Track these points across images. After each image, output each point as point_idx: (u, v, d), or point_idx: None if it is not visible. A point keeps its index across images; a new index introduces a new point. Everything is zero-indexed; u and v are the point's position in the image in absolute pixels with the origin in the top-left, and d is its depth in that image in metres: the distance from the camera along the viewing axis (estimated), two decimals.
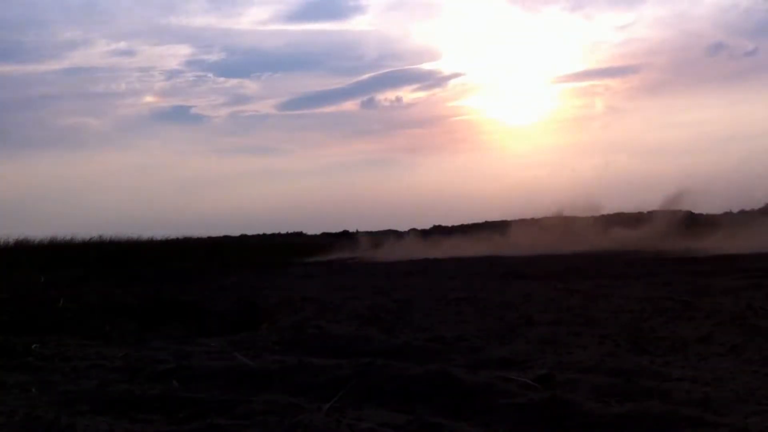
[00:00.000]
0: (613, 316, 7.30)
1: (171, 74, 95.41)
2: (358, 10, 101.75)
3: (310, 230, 63.11)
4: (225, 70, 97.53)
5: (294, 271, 19.42)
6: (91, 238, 22.11)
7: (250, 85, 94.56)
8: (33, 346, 5.40)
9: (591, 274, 13.37)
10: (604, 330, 6.28)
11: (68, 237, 21.33)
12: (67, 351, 5.44)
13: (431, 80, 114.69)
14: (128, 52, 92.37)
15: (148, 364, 4.82)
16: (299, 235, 59.02)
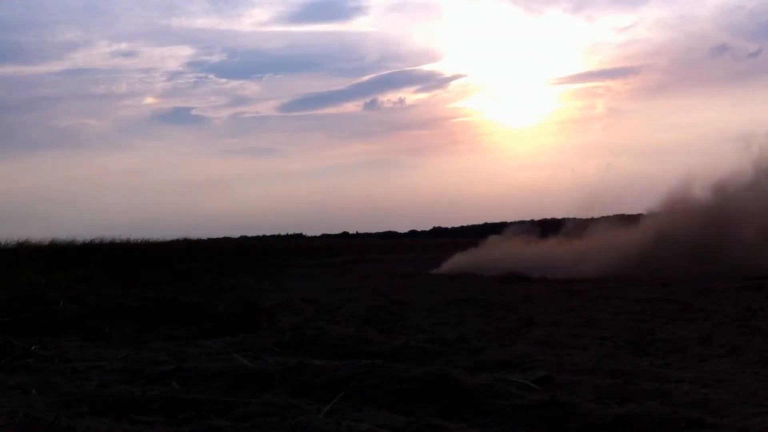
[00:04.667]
0: (612, 317, 7.31)
1: (172, 75, 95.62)
2: (359, 11, 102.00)
3: (310, 232, 63.22)
4: (226, 71, 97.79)
5: (294, 272, 19.42)
6: (91, 240, 22.09)
7: (251, 87, 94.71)
8: (33, 348, 5.40)
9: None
10: (604, 331, 6.29)
11: (69, 238, 21.30)
12: (67, 352, 5.44)
13: (432, 81, 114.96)
14: (129, 53, 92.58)
15: (148, 365, 4.82)
16: (299, 236, 59.05)
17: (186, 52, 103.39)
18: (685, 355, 5.15)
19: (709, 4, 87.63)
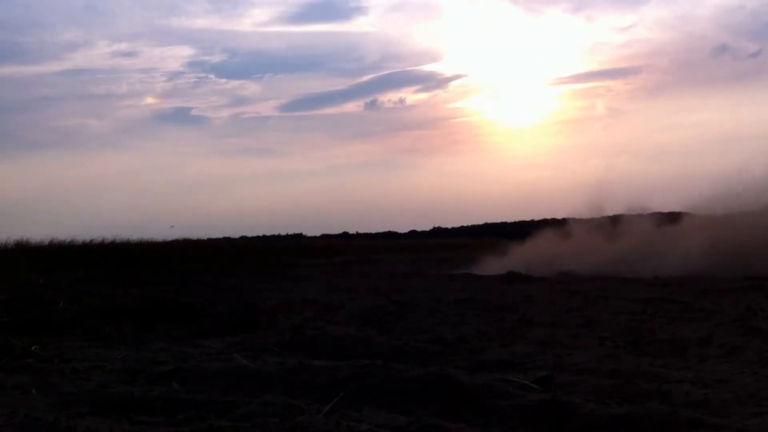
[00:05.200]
0: (612, 317, 7.31)
1: (172, 75, 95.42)
2: (359, 11, 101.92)
3: (310, 232, 63.06)
4: (226, 71, 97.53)
5: (294, 272, 19.42)
6: (91, 240, 22.08)
7: (251, 87, 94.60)
8: (33, 348, 5.40)
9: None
10: (604, 331, 6.29)
11: (68, 238, 21.30)
12: (67, 352, 5.44)
13: (433, 81, 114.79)
14: (129, 54, 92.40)
15: (148, 365, 4.82)
16: (299, 236, 58.93)
17: (186, 52, 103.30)
18: (685, 355, 5.15)
19: (709, 4, 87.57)
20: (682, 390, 3.84)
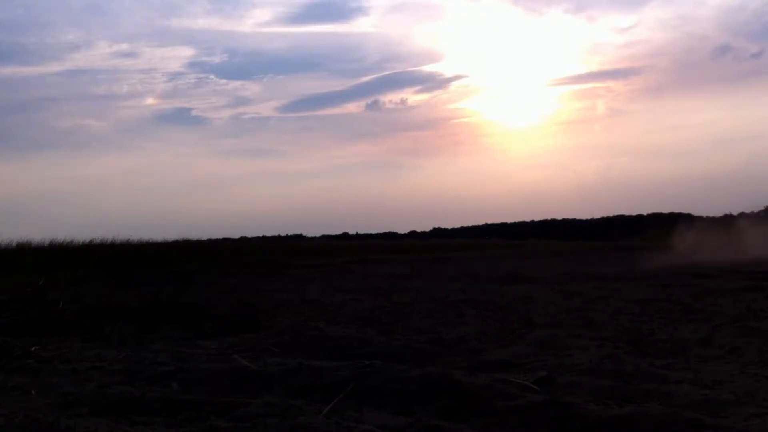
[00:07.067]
0: (612, 318, 7.31)
1: (172, 76, 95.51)
2: (360, 12, 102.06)
3: (310, 232, 63.07)
4: (226, 72, 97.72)
5: (294, 272, 19.41)
6: (91, 240, 22.09)
7: (252, 87, 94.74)
8: (33, 348, 5.40)
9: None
10: (604, 332, 6.29)
11: (68, 239, 21.31)
12: (67, 353, 5.44)
13: (433, 82, 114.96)
14: (130, 54, 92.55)
15: (148, 366, 4.82)
16: (299, 237, 58.92)
17: (187, 52, 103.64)
18: (685, 356, 5.14)
19: (710, 4, 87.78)
20: (683, 390, 3.85)
